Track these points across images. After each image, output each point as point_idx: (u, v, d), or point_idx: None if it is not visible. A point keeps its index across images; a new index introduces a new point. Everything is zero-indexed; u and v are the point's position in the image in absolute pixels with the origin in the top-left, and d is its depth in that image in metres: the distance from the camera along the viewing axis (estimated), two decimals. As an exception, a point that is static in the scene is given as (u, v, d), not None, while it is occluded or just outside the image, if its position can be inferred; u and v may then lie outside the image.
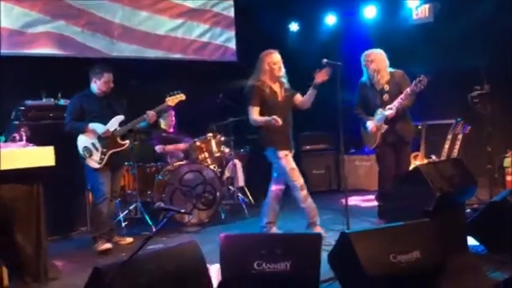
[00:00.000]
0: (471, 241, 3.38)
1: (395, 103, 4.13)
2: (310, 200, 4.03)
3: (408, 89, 4.07)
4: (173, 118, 5.54)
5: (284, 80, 4.09)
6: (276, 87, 4.05)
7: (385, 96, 4.29)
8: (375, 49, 4.45)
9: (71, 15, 5.45)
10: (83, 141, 4.03)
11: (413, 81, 4.04)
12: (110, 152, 4.04)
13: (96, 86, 4.10)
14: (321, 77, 3.87)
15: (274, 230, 4.13)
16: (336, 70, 3.85)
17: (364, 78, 4.43)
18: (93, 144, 4.03)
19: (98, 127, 4.03)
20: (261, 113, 4.00)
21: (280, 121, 3.82)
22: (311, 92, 4.01)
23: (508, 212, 3.21)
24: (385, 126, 4.26)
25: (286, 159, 4.00)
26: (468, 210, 3.95)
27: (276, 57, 4.01)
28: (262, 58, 4.03)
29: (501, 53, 5.45)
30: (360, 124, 4.47)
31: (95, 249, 4.01)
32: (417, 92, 4.06)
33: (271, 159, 4.09)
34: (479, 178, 3.71)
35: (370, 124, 4.31)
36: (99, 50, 5.66)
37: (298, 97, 4.15)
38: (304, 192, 4.00)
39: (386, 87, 4.31)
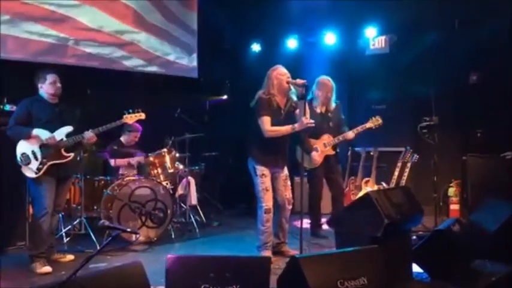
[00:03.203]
0: (415, 268, 3.47)
1: (355, 131, 4.72)
2: (269, 224, 4.01)
3: (367, 125, 4.71)
4: (136, 139, 5.38)
5: (293, 96, 4.01)
6: (282, 102, 3.99)
7: (331, 123, 4.72)
8: (328, 77, 4.69)
9: (39, 18, 5.28)
10: (23, 147, 3.77)
11: (370, 120, 4.70)
12: (50, 163, 3.80)
13: (44, 90, 3.90)
14: (299, 81, 3.80)
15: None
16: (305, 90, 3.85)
17: (314, 103, 4.60)
18: (33, 152, 3.78)
19: (42, 133, 3.79)
20: None
21: (310, 121, 3.78)
22: (300, 105, 3.93)
23: (452, 240, 3.32)
24: (333, 152, 4.72)
25: (263, 178, 3.95)
26: (414, 238, 4.06)
27: (283, 69, 3.99)
28: (269, 73, 3.99)
29: (450, 86, 5.76)
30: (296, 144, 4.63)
31: (33, 270, 3.75)
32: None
33: (250, 171, 4.04)
34: (425, 206, 3.84)
35: (316, 156, 4.65)
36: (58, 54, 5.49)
37: (297, 112, 4.04)
38: (268, 216, 3.97)
39: (331, 115, 4.74)
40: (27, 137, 3.78)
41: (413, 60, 5.92)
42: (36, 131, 3.79)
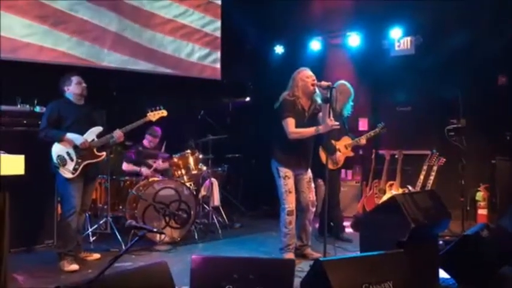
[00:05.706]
0: (442, 273, 3.39)
1: (367, 136, 4.94)
2: (292, 226, 4.00)
3: (377, 130, 4.94)
4: (153, 144, 5.44)
5: (317, 98, 4.00)
6: (306, 105, 3.99)
7: (346, 126, 4.89)
8: (347, 82, 4.81)
9: (59, 21, 5.39)
10: (58, 149, 3.90)
11: (378, 126, 4.92)
12: (85, 162, 3.94)
13: (71, 92, 4.01)
14: (324, 84, 3.76)
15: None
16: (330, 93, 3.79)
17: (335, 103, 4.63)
18: (68, 154, 3.91)
19: (75, 138, 3.92)
20: None
21: (335, 123, 3.78)
22: (324, 107, 3.90)
23: (480, 246, 3.24)
24: (352, 154, 4.89)
25: (286, 180, 3.95)
26: (440, 242, 3.97)
27: (308, 71, 3.99)
28: (295, 75, 3.99)
29: (478, 88, 5.61)
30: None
31: (60, 268, 3.84)
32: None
33: (273, 172, 4.05)
34: (452, 210, 3.75)
35: (339, 157, 4.74)
36: (87, 59, 5.59)
37: (320, 115, 4.03)
38: (290, 218, 3.96)
39: (345, 119, 4.87)
40: (60, 140, 3.90)
41: (439, 61, 5.80)
42: (69, 135, 3.90)
